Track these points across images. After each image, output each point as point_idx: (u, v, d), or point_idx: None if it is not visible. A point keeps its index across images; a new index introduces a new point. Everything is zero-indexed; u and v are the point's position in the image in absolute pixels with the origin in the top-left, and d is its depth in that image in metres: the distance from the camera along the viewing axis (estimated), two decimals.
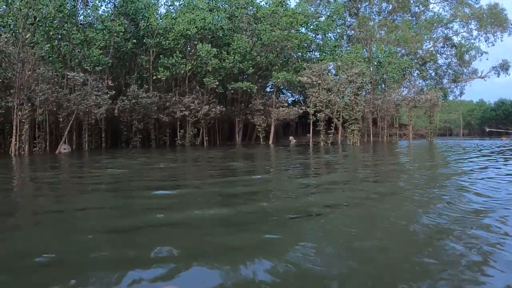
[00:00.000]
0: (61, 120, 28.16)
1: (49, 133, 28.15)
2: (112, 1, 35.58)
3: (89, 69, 29.92)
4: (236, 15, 42.04)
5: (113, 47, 33.56)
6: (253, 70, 39.81)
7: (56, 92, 26.98)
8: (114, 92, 31.61)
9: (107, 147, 33.84)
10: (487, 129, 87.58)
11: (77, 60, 30.29)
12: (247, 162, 17.16)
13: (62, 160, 19.46)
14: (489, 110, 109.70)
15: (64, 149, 26.81)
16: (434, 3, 63.72)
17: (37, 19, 27.01)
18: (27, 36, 25.25)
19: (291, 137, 45.97)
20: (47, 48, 27.00)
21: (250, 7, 43.65)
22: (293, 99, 54.20)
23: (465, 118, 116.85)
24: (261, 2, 44.61)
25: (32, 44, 25.74)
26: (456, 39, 61.90)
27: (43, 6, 27.50)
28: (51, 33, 29.13)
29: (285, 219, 5.24)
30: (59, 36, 30.71)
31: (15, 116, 24.15)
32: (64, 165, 16.54)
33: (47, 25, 28.40)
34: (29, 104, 25.02)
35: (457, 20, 60.31)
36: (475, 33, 60.43)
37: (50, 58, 28.58)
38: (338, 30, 52.12)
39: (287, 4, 43.96)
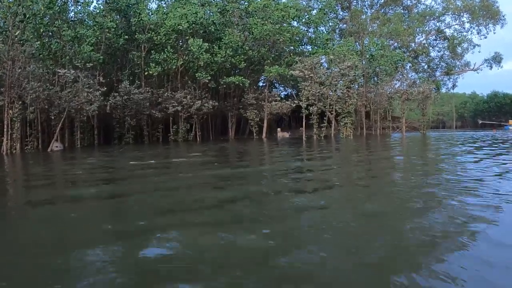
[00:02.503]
0: (52, 117, 27.98)
1: (41, 131, 28.00)
2: None
3: (80, 66, 29.74)
4: (227, 10, 41.95)
5: (104, 43, 33.44)
6: (245, 64, 39.72)
7: (47, 89, 26.80)
8: (105, 88, 31.53)
9: (99, 144, 33.65)
10: (480, 121, 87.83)
11: (68, 57, 30.08)
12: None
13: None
14: (482, 103, 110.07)
15: (56, 147, 26.64)
16: None
17: (27, 16, 26.75)
18: (16, 34, 25.03)
19: (279, 129, 46.07)
20: (38, 45, 26.87)
21: (242, 1, 43.57)
22: (286, 93, 54.19)
23: (458, 111, 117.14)
24: None
25: (22, 42, 25.50)
26: (448, 31, 61.98)
27: (32, 3, 27.28)
28: (41, 30, 28.95)
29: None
30: (50, 33, 30.55)
31: (6, 115, 24.00)
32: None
33: (37, 22, 28.18)
34: (20, 102, 24.89)
35: (449, 13, 60.36)
36: (467, 25, 60.51)
37: (41, 55, 28.37)
38: (330, 24, 51.99)
39: None
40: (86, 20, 33.63)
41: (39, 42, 27.42)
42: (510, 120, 73.76)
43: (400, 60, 48.01)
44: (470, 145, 21.32)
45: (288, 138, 41.16)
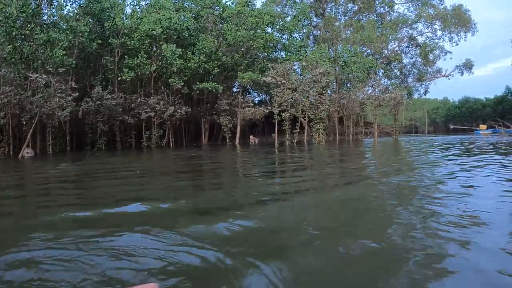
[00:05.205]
0: (24, 123, 27.76)
1: (12, 137, 27.81)
2: (77, 0, 35.17)
3: (52, 71, 29.49)
4: (202, 15, 42.02)
5: (77, 48, 33.16)
6: (218, 70, 39.90)
7: (19, 94, 26.62)
8: (78, 94, 31.30)
9: (72, 150, 33.39)
10: (452, 126, 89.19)
11: (40, 61, 29.77)
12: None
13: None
14: (453, 108, 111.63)
15: (28, 153, 26.45)
16: (399, 4, 64.99)
17: None
18: None
19: (251, 136, 46.50)
20: (9, 49, 26.65)
21: (216, 7, 43.70)
22: (259, 99, 54.57)
23: (430, 116, 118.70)
24: (227, 2, 44.78)
25: None
26: (420, 39, 63.12)
27: (5, 6, 27.06)
28: (13, 34, 28.62)
29: None
30: (22, 36, 30.21)
31: None
32: None
33: (9, 25, 27.91)
34: None
35: (422, 21, 61.41)
36: (439, 33, 61.58)
37: (12, 59, 28.09)
38: (304, 30, 52.53)
39: (253, 4, 44.16)
40: (60, 23, 33.27)
41: (10, 46, 27.20)
42: (480, 125, 75.14)
43: (372, 66, 48.63)
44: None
45: (259, 144, 41.56)
